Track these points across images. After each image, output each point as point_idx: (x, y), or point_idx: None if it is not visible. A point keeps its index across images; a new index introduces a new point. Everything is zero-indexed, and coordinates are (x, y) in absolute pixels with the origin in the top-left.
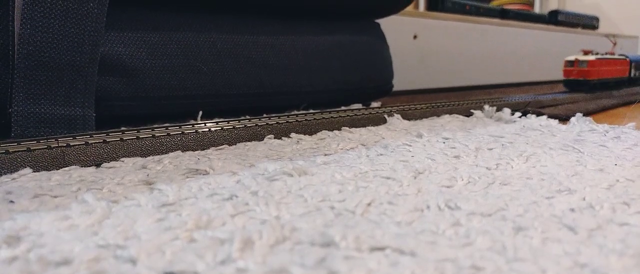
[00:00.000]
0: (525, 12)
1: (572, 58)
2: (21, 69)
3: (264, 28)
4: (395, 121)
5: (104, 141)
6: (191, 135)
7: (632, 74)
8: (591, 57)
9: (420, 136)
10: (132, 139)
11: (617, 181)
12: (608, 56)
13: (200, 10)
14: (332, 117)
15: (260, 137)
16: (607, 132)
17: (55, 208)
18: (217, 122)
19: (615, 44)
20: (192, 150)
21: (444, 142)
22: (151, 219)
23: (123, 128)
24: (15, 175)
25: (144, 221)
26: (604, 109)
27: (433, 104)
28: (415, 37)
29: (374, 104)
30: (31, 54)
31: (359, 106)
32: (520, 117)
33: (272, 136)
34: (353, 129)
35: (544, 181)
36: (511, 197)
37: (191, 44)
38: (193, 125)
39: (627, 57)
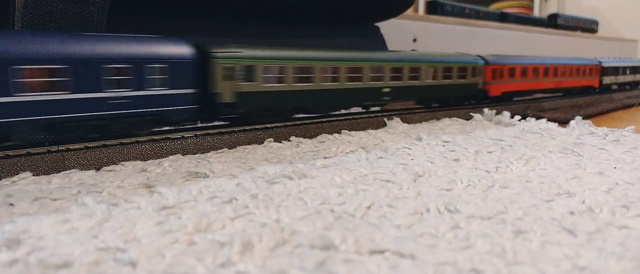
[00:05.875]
0: (524, 15)
1: None
2: None
3: (263, 32)
4: (395, 124)
5: (104, 145)
6: (191, 139)
7: None
8: None
9: (419, 139)
10: (131, 142)
11: (617, 184)
12: None
13: (201, 14)
14: (331, 120)
15: (260, 141)
16: (607, 136)
17: (55, 211)
18: (216, 126)
19: None
20: (192, 153)
21: (443, 146)
22: (151, 222)
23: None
24: (15, 178)
25: (144, 224)
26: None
27: (432, 107)
28: (414, 40)
29: (374, 108)
30: None
31: (358, 109)
32: (519, 120)
33: (272, 139)
34: (353, 132)
35: (543, 184)
36: (511, 200)
37: None
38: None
39: None
